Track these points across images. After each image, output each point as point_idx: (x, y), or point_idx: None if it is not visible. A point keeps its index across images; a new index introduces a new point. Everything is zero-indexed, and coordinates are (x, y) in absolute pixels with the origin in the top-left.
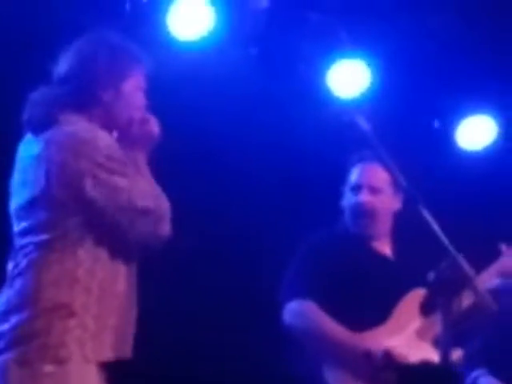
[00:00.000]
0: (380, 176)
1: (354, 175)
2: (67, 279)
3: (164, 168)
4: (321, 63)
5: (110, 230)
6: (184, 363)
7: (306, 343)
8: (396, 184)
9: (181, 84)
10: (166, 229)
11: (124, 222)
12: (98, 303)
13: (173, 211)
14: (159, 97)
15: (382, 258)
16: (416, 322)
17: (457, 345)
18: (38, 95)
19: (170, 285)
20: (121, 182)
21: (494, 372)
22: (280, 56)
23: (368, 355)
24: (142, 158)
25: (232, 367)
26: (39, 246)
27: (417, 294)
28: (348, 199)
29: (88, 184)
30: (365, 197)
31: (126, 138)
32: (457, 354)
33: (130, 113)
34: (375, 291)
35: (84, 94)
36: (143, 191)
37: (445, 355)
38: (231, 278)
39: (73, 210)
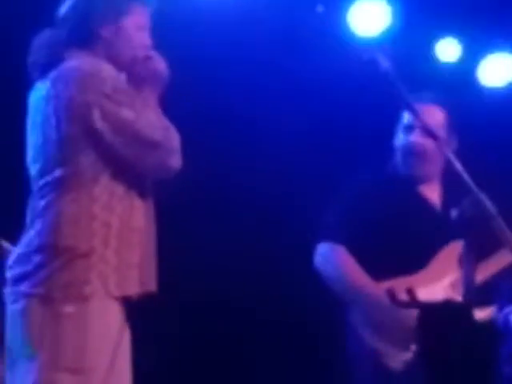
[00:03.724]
0: (434, 117)
1: (407, 115)
2: (85, 217)
3: (187, 111)
4: (342, 2)
5: (121, 164)
6: (209, 298)
7: (331, 287)
8: (450, 127)
9: (198, 28)
10: (176, 161)
11: (133, 155)
12: (118, 237)
13: (201, 149)
14: (173, 38)
15: (427, 204)
16: (454, 274)
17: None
18: (40, 38)
19: (196, 219)
20: (128, 113)
21: None
22: None
23: (391, 292)
24: (151, 96)
25: (258, 303)
26: (55, 184)
27: (459, 245)
28: (400, 139)
29: (96, 115)
30: (416, 137)
31: (133, 77)
32: (488, 311)
33: (133, 51)
34: (415, 238)
35: (84, 32)
36: (151, 123)
37: (467, 293)
38: (267, 217)
39: (84, 144)
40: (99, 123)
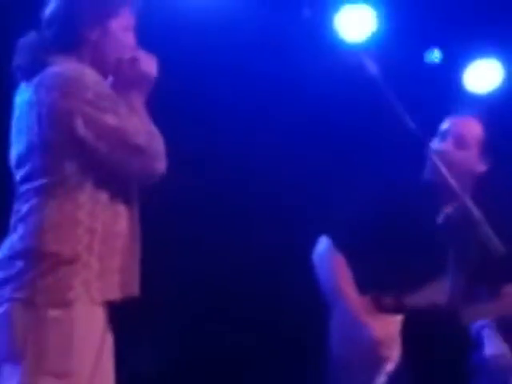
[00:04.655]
0: (471, 130)
1: (445, 123)
2: (69, 222)
3: (179, 115)
4: (328, 7)
5: (105, 170)
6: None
7: (320, 285)
8: (486, 145)
9: (182, 30)
10: (159, 167)
11: (117, 161)
12: (102, 243)
13: (192, 153)
14: (156, 44)
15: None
16: None
17: None
18: (25, 40)
19: (191, 220)
20: (111, 119)
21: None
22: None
23: (376, 297)
24: (137, 99)
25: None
26: (38, 191)
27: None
28: (433, 146)
29: (78, 122)
30: (447, 146)
31: (120, 80)
32: None
33: (120, 53)
34: (418, 262)
35: (69, 35)
36: (135, 129)
37: (452, 298)
38: (263, 223)
39: (67, 152)
40: (82, 130)
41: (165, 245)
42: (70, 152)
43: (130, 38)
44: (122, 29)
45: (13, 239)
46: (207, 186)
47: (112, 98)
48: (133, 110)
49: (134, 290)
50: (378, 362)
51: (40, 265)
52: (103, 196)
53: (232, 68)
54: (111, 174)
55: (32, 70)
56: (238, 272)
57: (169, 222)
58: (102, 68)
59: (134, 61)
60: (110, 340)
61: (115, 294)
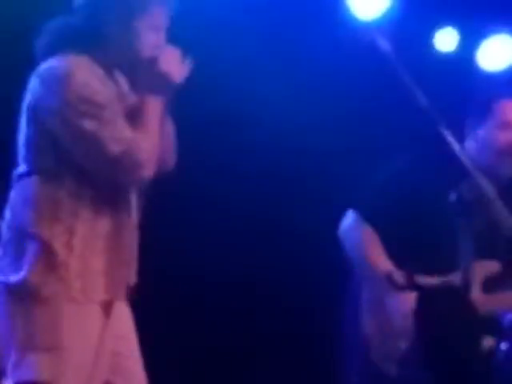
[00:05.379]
0: None
1: (506, 110)
2: (48, 218)
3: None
4: None
5: (84, 170)
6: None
7: (348, 255)
8: None
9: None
10: (142, 174)
11: (90, 166)
12: (83, 244)
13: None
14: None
15: None
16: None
17: None
18: (50, 25)
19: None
20: (89, 125)
21: None
22: None
23: (389, 275)
24: (152, 102)
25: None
26: (19, 179)
27: (489, 265)
28: (494, 134)
29: (56, 122)
30: None
31: (138, 81)
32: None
33: (140, 52)
34: (447, 244)
35: (90, 27)
36: (113, 137)
37: (465, 276)
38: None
39: (46, 146)
40: (59, 131)
41: (185, 222)
42: (47, 147)
43: (153, 39)
44: (148, 28)
45: (2, 225)
46: (232, 153)
47: (97, 101)
48: (141, 115)
49: (120, 294)
50: (408, 331)
51: (19, 253)
52: (86, 193)
53: (246, 48)
54: (88, 174)
55: (43, 55)
56: (262, 248)
57: (190, 195)
58: (116, 65)
59: (153, 61)
60: (119, 320)
61: (100, 296)
